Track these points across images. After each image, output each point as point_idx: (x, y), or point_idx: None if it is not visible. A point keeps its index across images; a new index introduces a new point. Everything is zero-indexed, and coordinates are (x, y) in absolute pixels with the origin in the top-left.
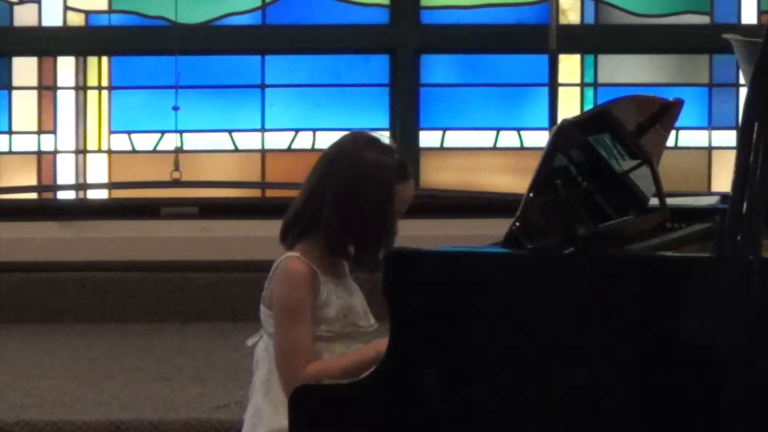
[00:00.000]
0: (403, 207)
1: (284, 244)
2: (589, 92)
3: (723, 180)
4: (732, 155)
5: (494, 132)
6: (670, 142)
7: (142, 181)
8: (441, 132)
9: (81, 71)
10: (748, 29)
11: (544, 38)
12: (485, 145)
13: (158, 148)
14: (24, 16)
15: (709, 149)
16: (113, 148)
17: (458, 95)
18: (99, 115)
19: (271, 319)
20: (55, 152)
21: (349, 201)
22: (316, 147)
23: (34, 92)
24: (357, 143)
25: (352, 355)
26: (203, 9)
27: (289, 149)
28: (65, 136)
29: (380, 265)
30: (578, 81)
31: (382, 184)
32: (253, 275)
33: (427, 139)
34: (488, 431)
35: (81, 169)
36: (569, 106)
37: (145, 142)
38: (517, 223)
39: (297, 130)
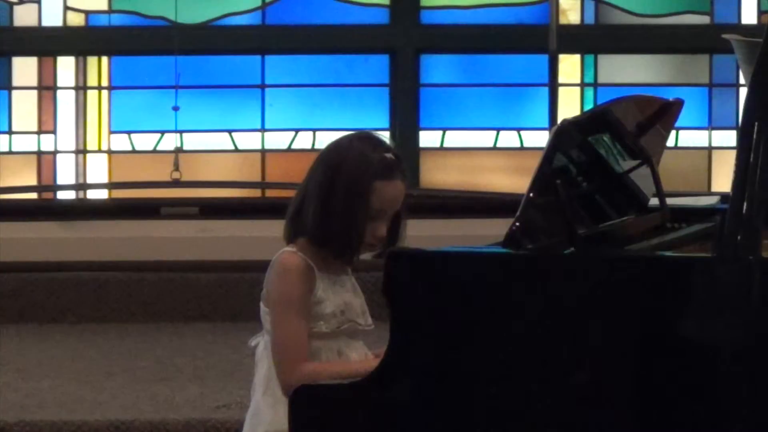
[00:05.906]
0: (386, 206)
1: (286, 241)
2: (589, 92)
3: (723, 180)
4: (732, 155)
5: (494, 132)
6: (670, 142)
7: (142, 181)
8: (441, 132)
9: (81, 71)
10: (748, 29)
11: (544, 38)
12: (485, 145)
13: (158, 148)
14: (24, 16)
15: (709, 149)
16: (113, 148)
17: (458, 95)
18: (99, 115)
19: (269, 316)
20: (55, 152)
21: (325, 189)
22: (315, 147)
23: (34, 92)
24: (351, 137)
25: (356, 364)
26: (203, 9)
27: (289, 149)
28: (65, 136)
29: (354, 259)
30: (578, 81)
31: (359, 175)
32: (253, 275)
33: (427, 139)
34: (488, 431)
35: (81, 169)
36: (569, 106)
37: (145, 142)
38: (517, 223)
39: (297, 130)
